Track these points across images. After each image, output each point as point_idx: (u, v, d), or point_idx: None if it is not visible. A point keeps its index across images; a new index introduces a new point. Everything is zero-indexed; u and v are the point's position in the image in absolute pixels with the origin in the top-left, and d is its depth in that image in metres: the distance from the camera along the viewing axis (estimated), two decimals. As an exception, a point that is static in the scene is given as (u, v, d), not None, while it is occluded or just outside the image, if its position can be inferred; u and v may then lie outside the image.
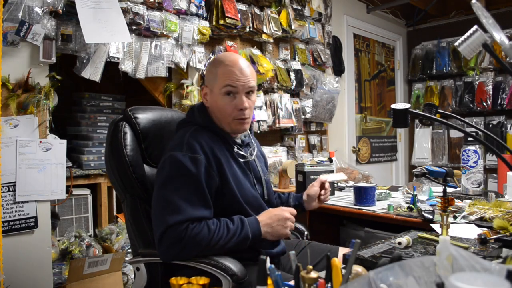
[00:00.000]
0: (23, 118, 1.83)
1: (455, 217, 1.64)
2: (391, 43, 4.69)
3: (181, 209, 1.22)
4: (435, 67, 4.48)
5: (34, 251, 1.86)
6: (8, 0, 1.74)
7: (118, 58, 2.13)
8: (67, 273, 2.01)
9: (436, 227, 1.53)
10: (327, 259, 0.76)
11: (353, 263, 0.75)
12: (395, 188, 2.49)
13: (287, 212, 1.34)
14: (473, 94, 4.19)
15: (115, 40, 2.06)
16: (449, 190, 2.16)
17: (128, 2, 2.12)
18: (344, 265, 0.80)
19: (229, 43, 2.75)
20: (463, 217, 1.64)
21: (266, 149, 2.89)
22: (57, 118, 2.00)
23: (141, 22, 2.18)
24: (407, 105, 1.10)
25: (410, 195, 1.94)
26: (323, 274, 0.77)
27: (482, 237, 1.25)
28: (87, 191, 2.50)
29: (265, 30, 2.89)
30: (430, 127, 4.57)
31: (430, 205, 1.83)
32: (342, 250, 1.49)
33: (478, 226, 1.51)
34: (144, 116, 1.50)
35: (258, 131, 2.88)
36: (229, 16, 2.56)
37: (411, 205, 1.84)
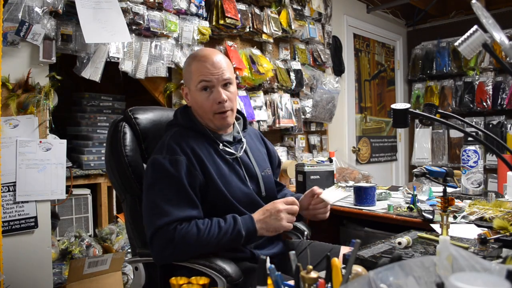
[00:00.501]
0: (23, 118, 1.83)
1: (455, 217, 1.64)
2: (391, 43, 4.69)
3: (167, 211, 1.23)
4: (435, 67, 4.48)
5: (34, 251, 1.86)
6: (8, 0, 1.74)
7: (118, 58, 2.13)
8: (67, 273, 2.01)
9: (436, 227, 1.53)
10: (327, 259, 0.76)
11: (353, 263, 0.75)
12: (395, 188, 2.49)
13: (280, 203, 1.28)
14: (473, 94, 4.19)
15: (115, 40, 2.06)
16: (449, 190, 2.16)
17: (128, 2, 2.12)
18: (344, 265, 0.80)
19: (229, 43, 2.75)
20: (463, 217, 1.64)
21: (266, 149, 2.89)
22: (57, 118, 2.00)
23: (141, 22, 2.18)
24: (407, 105, 1.10)
25: (410, 195, 1.94)
26: (323, 274, 0.77)
27: (482, 237, 1.25)
28: (87, 191, 2.50)
29: (265, 30, 2.89)
30: (430, 127, 4.57)
31: (430, 205, 1.83)
32: (344, 250, 1.48)
33: (478, 226, 1.51)
34: (144, 117, 1.51)
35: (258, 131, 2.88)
36: (229, 16, 2.56)
37: (411, 205, 1.84)
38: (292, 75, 3.13)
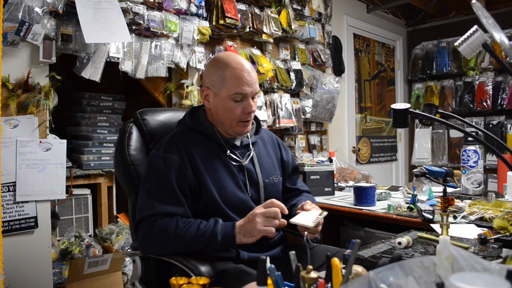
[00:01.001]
0: (23, 118, 1.83)
1: (455, 217, 1.64)
2: (391, 43, 4.69)
3: (152, 205, 1.28)
4: (435, 67, 4.48)
5: (34, 251, 1.86)
6: (8, 0, 1.74)
7: (118, 58, 2.13)
8: (67, 273, 2.01)
9: (436, 227, 1.53)
10: (327, 259, 0.76)
11: (353, 263, 0.75)
12: (395, 188, 2.49)
13: (259, 208, 1.25)
14: (473, 94, 4.19)
15: (115, 40, 2.06)
16: (449, 190, 2.17)
17: (128, 2, 2.12)
18: (344, 265, 0.80)
19: (229, 43, 2.75)
20: (463, 217, 1.64)
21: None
22: (57, 118, 2.00)
23: (141, 22, 2.18)
24: (407, 105, 1.10)
25: (410, 195, 1.94)
26: (323, 274, 0.77)
27: (482, 237, 1.25)
28: (87, 191, 2.50)
29: (265, 30, 2.89)
30: (430, 127, 4.57)
31: (430, 205, 1.83)
32: None
33: (478, 226, 1.51)
34: (153, 118, 1.59)
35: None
36: (229, 16, 2.56)
37: (411, 205, 1.84)
38: (292, 75, 3.13)
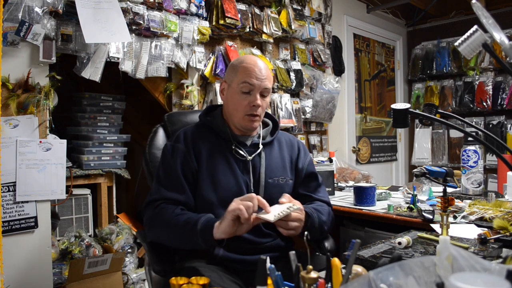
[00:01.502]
0: (23, 118, 1.83)
1: (455, 217, 1.64)
2: (391, 43, 4.69)
3: (158, 190, 1.38)
4: (435, 67, 4.48)
5: (34, 251, 1.86)
6: (8, 0, 1.74)
7: (118, 58, 2.13)
8: (67, 273, 2.01)
9: (436, 227, 1.53)
10: (327, 259, 0.76)
11: (353, 263, 0.75)
12: (395, 188, 2.49)
13: (235, 201, 1.21)
14: (473, 94, 4.19)
15: (115, 40, 2.06)
16: (449, 190, 2.17)
17: (128, 2, 2.12)
18: (344, 265, 0.80)
19: (229, 43, 2.75)
20: (463, 217, 1.64)
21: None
22: (57, 118, 2.00)
23: (141, 22, 2.18)
24: (407, 105, 1.10)
25: (410, 195, 1.94)
26: (323, 274, 0.77)
27: (482, 237, 1.25)
28: (87, 191, 2.50)
29: (265, 30, 2.89)
30: (430, 127, 4.57)
31: (430, 205, 1.83)
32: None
33: (478, 226, 1.51)
34: (177, 119, 1.75)
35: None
36: (229, 16, 2.56)
37: (411, 205, 1.84)
38: (292, 75, 3.13)
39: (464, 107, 4.22)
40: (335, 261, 0.74)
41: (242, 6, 2.74)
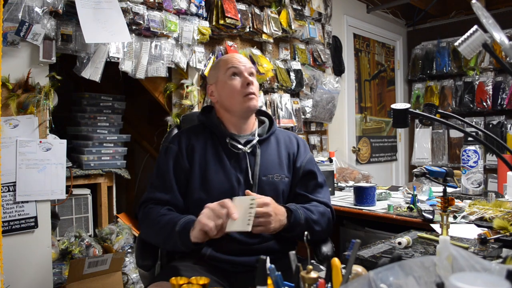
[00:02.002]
0: (23, 118, 1.83)
1: (455, 217, 1.64)
2: (391, 43, 4.69)
3: (148, 191, 1.43)
4: (435, 67, 4.48)
5: (34, 251, 1.86)
6: (8, 0, 1.74)
7: (118, 58, 2.13)
8: (67, 273, 2.01)
9: (436, 227, 1.53)
10: (327, 259, 0.76)
11: (353, 263, 0.75)
12: (395, 188, 2.49)
13: (207, 211, 1.19)
14: (473, 94, 4.19)
15: (115, 40, 2.06)
16: (449, 190, 2.17)
17: (128, 2, 2.12)
18: (344, 265, 0.80)
19: (229, 43, 2.75)
20: (463, 217, 1.64)
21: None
22: (57, 118, 2.00)
23: (141, 22, 2.18)
24: (407, 105, 1.09)
25: (410, 195, 1.94)
26: (323, 274, 0.77)
27: (482, 237, 1.25)
28: (87, 191, 2.50)
29: (265, 30, 2.89)
30: (430, 127, 4.57)
31: (430, 205, 1.83)
32: None
33: (478, 226, 1.51)
34: (190, 119, 1.77)
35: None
36: (229, 16, 2.56)
37: (411, 205, 1.84)
38: (292, 75, 3.13)
39: (464, 107, 4.22)
40: (335, 261, 0.74)
41: (242, 6, 2.74)
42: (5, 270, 1.67)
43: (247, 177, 1.42)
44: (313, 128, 3.45)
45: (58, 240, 2.24)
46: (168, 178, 1.41)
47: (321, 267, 1.35)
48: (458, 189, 2.24)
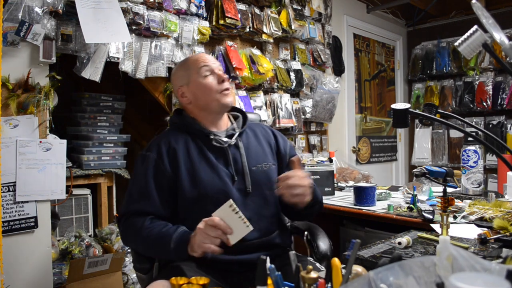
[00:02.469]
0: (23, 118, 1.83)
1: (455, 217, 1.64)
2: (391, 43, 4.69)
3: (126, 204, 1.39)
4: (435, 67, 4.48)
5: (34, 251, 1.86)
6: (8, 0, 1.74)
7: (118, 58, 2.13)
8: (67, 273, 2.01)
9: (436, 227, 1.53)
10: (327, 259, 0.76)
11: (353, 263, 0.75)
12: (395, 188, 2.49)
13: (202, 223, 1.19)
14: (473, 94, 4.19)
15: (115, 40, 2.06)
16: (449, 190, 2.17)
17: (128, 2, 2.12)
18: (344, 265, 0.80)
19: (229, 43, 2.75)
20: (463, 217, 1.64)
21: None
22: (57, 118, 2.00)
23: (141, 22, 2.18)
24: (407, 105, 1.10)
25: (410, 195, 1.94)
26: (323, 274, 0.77)
27: (482, 237, 1.25)
28: (87, 191, 2.50)
29: (265, 30, 2.89)
30: (430, 127, 4.57)
31: (430, 205, 1.83)
32: None
33: (478, 226, 1.51)
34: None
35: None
36: (229, 16, 2.56)
37: (411, 205, 1.84)
38: (292, 75, 3.13)
39: (464, 107, 4.22)
40: (335, 261, 0.74)
41: (242, 6, 2.74)
42: (5, 270, 1.67)
43: (237, 169, 1.42)
44: (313, 128, 3.45)
45: (58, 240, 2.24)
46: (147, 188, 1.36)
47: (318, 265, 1.34)
48: (458, 189, 2.24)
